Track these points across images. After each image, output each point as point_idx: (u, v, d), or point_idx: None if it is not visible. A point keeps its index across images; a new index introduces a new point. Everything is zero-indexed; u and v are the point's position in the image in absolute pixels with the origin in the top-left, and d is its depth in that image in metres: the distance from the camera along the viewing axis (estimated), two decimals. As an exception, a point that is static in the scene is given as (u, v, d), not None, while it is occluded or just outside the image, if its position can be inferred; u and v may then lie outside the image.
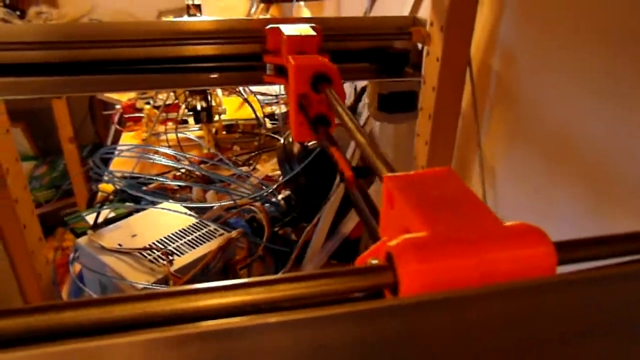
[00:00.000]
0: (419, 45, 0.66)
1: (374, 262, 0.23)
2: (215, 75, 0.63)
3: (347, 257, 0.97)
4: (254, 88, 1.61)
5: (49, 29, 0.61)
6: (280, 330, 0.18)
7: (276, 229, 0.94)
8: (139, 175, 1.07)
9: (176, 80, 0.65)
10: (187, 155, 1.26)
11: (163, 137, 1.49)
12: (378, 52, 0.66)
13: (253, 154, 1.36)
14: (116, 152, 1.19)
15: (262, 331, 0.18)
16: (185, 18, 1.66)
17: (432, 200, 0.23)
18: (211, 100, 1.26)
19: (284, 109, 1.57)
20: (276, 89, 1.71)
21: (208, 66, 0.68)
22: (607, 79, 0.52)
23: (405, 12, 0.74)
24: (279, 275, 0.22)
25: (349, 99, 1.29)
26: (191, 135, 1.43)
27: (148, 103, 1.63)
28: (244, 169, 1.25)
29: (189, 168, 1.19)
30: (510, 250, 0.20)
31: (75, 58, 0.64)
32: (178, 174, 1.21)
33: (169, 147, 1.27)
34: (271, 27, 0.59)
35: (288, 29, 0.59)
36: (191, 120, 1.48)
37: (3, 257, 0.65)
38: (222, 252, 0.81)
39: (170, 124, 1.58)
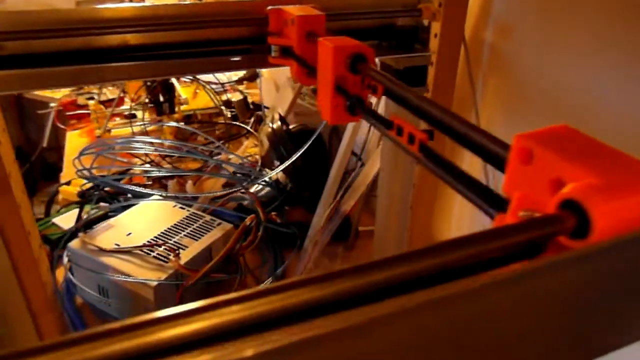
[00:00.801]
0: (425, 22, 0.69)
1: (526, 214, 0.24)
2: (214, 60, 0.61)
3: (342, 235, 0.99)
4: (204, 77, 1.56)
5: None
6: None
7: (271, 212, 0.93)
8: (123, 170, 1.02)
9: (173, 66, 0.62)
10: (172, 143, 1.20)
11: (114, 132, 1.42)
12: (385, 29, 0.68)
13: (222, 141, 1.33)
14: (106, 148, 1.11)
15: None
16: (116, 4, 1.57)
17: (575, 151, 0.25)
18: (174, 91, 1.21)
19: (239, 96, 1.55)
20: (222, 77, 1.68)
21: (206, 51, 0.66)
22: (605, 43, 0.58)
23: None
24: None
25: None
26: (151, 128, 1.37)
27: (92, 98, 1.53)
28: (223, 156, 1.22)
29: (180, 154, 1.14)
30: None
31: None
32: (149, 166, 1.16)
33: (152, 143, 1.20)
34: (273, 8, 0.59)
35: (293, 10, 0.59)
36: (139, 114, 1.42)
37: (8, 268, 0.60)
38: (240, 237, 0.80)
39: (117, 119, 1.51)
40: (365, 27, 0.70)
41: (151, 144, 1.08)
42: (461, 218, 0.90)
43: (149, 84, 1.22)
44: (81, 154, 0.97)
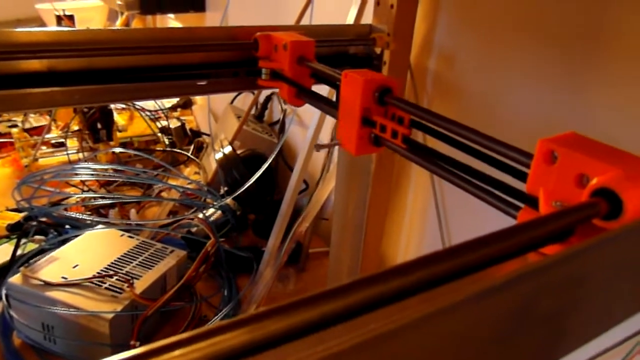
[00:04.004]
0: (377, 50, 0.73)
1: (559, 204, 0.29)
2: (203, 83, 0.61)
3: (293, 258, 1.00)
4: (139, 103, 1.53)
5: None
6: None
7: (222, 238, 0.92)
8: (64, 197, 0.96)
9: (162, 88, 0.61)
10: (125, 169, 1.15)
11: (42, 161, 1.34)
12: (340, 56, 0.71)
13: (169, 165, 1.30)
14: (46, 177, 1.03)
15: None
16: (55, 27, 1.51)
17: (591, 151, 0.30)
18: (112, 117, 1.17)
19: (177, 123, 1.52)
20: (159, 103, 1.65)
21: (195, 73, 0.65)
22: (538, 65, 0.65)
23: (350, 20, 0.80)
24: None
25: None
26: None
27: (14, 126, 1.44)
28: (168, 181, 1.18)
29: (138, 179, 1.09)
30: None
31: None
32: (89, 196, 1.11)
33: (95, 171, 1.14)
34: (262, 34, 0.61)
35: (282, 35, 0.61)
36: (73, 142, 1.35)
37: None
38: (201, 264, 0.78)
39: (44, 147, 1.43)
40: (322, 54, 0.73)
41: (96, 170, 1.04)
42: (410, 237, 0.94)
43: (85, 110, 1.17)
44: (23, 182, 0.91)
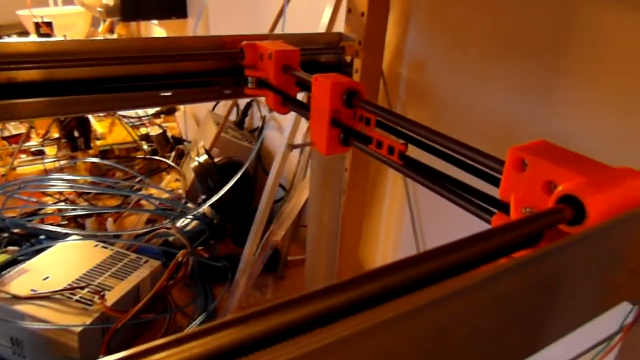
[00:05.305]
0: (347, 59, 0.73)
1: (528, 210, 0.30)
2: (186, 92, 0.62)
3: (271, 265, 1.00)
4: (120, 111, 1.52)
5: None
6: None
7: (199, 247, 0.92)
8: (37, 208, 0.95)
9: (145, 98, 0.61)
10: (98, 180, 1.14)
11: (20, 170, 1.32)
12: (311, 64, 0.71)
13: (144, 175, 1.29)
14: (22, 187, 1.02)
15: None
16: (33, 38, 1.50)
17: (559, 159, 0.31)
18: (89, 125, 1.17)
19: (158, 130, 1.51)
20: (140, 111, 1.64)
21: (180, 82, 0.65)
22: (509, 74, 0.65)
23: (321, 29, 0.80)
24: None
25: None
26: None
27: (-7, 134, 1.43)
28: (146, 191, 1.18)
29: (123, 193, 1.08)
30: (636, 179, 0.30)
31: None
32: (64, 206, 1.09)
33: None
34: (248, 43, 0.62)
35: (268, 45, 0.62)
36: (51, 150, 1.34)
37: None
38: (172, 274, 0.77)
39: (23, 156, 1.42)
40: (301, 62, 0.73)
41: (71, 180, 1.03)
42: (387, 242, 0.94)
43: (62, 119, 1.16)
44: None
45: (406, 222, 0.85)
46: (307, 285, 0.93)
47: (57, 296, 0.73)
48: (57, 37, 1.38)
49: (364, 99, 0.51)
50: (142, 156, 1.37)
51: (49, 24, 1.36)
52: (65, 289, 0.75)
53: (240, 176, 0.88)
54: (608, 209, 0.27)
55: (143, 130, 1.50)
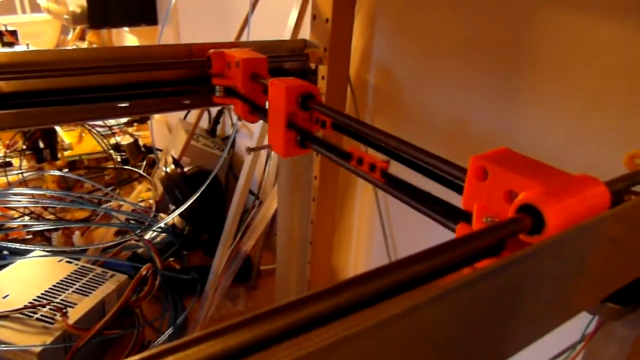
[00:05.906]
0: (312, 66, 0.72)
1: (489, 220, 0.30)
2: (154, 101, 0.60)
3: (243, 276, 0.98)
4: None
5: None
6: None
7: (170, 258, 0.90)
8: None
9: (112, 109, 0.59)
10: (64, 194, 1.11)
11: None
12: (276, 72, 0.70)
13: (112, 187, 1.26)
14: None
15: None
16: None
17: (519, 167, 0.30)
18: (56, 136, 1.14)
19: (129, 139, 1.48)
20: (111, 120, 1.61)
21: (147, 92, 0.63)
22: (473, 79, 0.65)
23: (287, 36, 0.79)
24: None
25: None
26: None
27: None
28: (114, 203, 1.15)
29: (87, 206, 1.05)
30: (596, 187, 0.29)
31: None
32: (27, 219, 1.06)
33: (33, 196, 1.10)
34: (215, 51, 0.60)
35: (235, 52, 0.61)
36: (15, 161, 1.31)
37: None
38: (135, 288, 0.75)
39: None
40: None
41: (32, 195, 1.00)
42: (358, 251, 0.93)
43: (25, 129, 1.13)
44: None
45: (377, 229, 0.85)
46: (278, 295, 0.91)
47: (17, 315, 0.71)
48: (21, 46, 1.34)
49: (319, 102, 0.50)
50: (112, 166, 1.34)
51: (13, 33, 1.32)
52: (25, 307, 0.72)
53: (211, 185, 0.86)
54: (567, 218, 0.27)
55: (113, 140, 1.47)
